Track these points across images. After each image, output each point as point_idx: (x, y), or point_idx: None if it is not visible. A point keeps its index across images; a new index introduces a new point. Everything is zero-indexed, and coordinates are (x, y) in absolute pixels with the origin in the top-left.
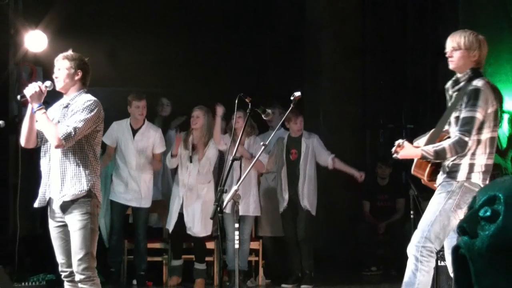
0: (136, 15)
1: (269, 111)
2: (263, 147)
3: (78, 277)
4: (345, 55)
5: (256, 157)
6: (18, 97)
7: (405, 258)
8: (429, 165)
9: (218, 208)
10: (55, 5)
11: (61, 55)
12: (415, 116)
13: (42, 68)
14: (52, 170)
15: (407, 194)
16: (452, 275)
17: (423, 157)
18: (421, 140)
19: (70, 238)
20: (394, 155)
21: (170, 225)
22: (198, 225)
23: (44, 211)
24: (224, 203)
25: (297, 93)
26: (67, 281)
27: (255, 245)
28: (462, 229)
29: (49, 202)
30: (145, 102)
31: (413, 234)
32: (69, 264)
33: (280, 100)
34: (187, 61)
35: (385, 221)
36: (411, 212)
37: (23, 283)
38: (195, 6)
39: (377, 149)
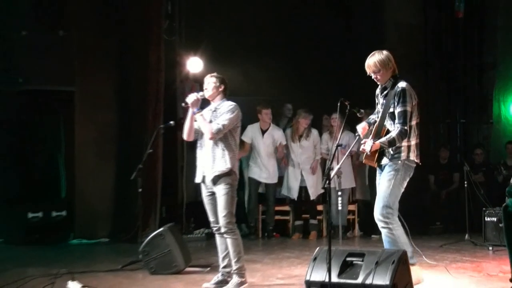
0: (261, 43)
1: (362, 111)
2: (357, 137)
3: (223, 229)
4: (411, 68)
5: (352, 144)
6: (183, 104)
7: (460, 216)
8: (377, 154)
9: (327, 181)
10: (206, 39)
11: (209, 75)
12: (466, 113)
13: (199, 84)
14: (206, 155)
15: (462, 170)
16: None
17: (381, 147)
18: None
19: (217, 203)
20: (365, 150)
21: (291, 194)
22: (313, 192)
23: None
24: (331, 177)
25: None
26: (217, 233)
27: (352, 207)
28: (509, 193)
29: (203, 178)
30: (270, 109)
31: (375, 208)
32: (217, 221)
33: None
34: (300, 75)
35: (445, 190)
36: (465, 182)
37: (189, 235)
38: (301, 34)
39: (438, 138)
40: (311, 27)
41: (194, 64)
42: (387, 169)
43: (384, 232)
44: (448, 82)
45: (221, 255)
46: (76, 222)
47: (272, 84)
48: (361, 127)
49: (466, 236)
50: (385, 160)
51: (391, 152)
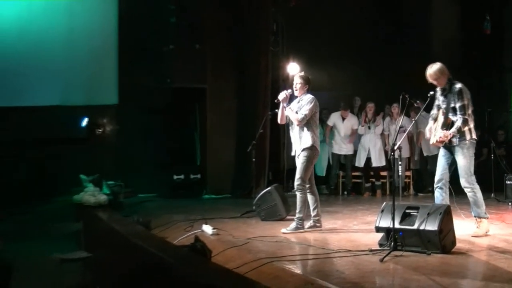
0: (339, 50)
1: (418, 101)
2: (413, 121)
3: (295, 187)
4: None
5: (409, 127)
6: (275, 100)
7: (487, 181)
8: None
9: (392, 153)
10: (301, 48)
11: (297, 74)
12: (490, 104)
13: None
14: (295, 135)
15: (489, 146)
16: None
17: (453, 136)
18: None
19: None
20: (444, 139)
21: (360, 163)
22: (378, 161)
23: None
24: (395, 148)
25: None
26: (308, 191)
27: (408, 173)
28: None
29: (295, 151)
30: (349, 110)
31: (460, 178)
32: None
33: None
34: (368, 74)
35: (477, 161)
36: (491, 155)
37: (288, 193)
38: (368, 44)
39: None
40: (376, 38)
41: (292, 68)
42: (459, 149)
43: (469, 194)
44: (477, 81)
45: (311, 207)
46: (207, 182)
47: (347, 81)
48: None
49: (492, 195)
50: (455, 142)
51: (458, 136)
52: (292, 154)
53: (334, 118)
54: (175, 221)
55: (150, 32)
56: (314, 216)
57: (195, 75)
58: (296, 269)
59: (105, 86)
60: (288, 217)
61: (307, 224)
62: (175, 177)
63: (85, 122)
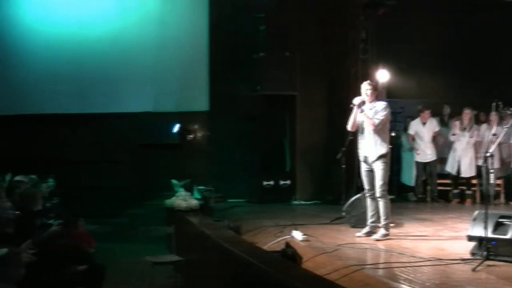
0: (426, 59)
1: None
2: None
3: (378, 194)
4: None
5: (501, 134)
6: (350, 105)
7: None
8: None
9: (485, 161)
10: (390, 57)
11: (366, 82)
12: None
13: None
14: (367, 142)
15: None
16: None
17: None
18: None
19: (374, 176)
20: None
21: (453, 170)
22: (468, 171)
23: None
24: (488, 156)
25: None
26: (370, 197)
27: (498, 181)
28: None
29: (365, 158)
30: (429, 110)
31: None
32: (372, 189)
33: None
34: (459, 80)
35: None
36: None
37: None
38: (455, 54)
39: None
40: (463, 49)
41: (382, 75)
42: None
43: None
44: None
45: (370, 213)
46: (296, 188)
47: (437, 88)
48: None
49: None
50: None
51: None
52: (361, 159)
53: (415, 126)
54: (264, 226)
55: (240, 41)
56: (372, 222)
57: (285, 82)
58: (387, 277)
59: (196, 93)
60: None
61: (364, 230)
62: (264, 183)
63: (177, 128)
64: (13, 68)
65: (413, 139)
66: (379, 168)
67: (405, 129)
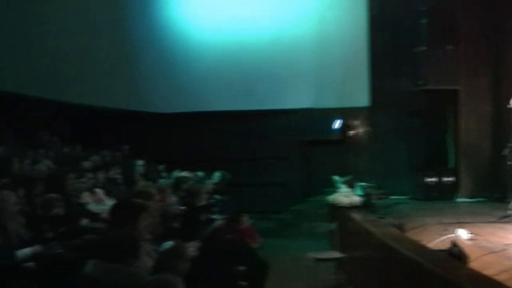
0: None
1: None
2: None
3: None
4: None
5: None
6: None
7: None
8: None
9: None
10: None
11: None
12: None
13: None
14: None
15: None
16: None
17: None
18: None
19: None
20: None
21: None
22: None
23: None
24: None
25: None
26: None
27: None
28: None
29: None
30: None
31: None
32: None
33: None
34: None
35: None
36: None
37: None
38: None
39: None
40: None
41: None
42: None
43: None
44: None
45: None
46: (460, 185)
47: None
48: None
49: None
50: None
51: None
52: None
53: None
54: (428, 224)
55: (400, 35)
56: None
57: (447, 76)
58: None
59: (356, 89)
60: None
61: None
62: (427, 179)
63: (338, 124)
64: (181, 67)
65: None
66: None
67: None
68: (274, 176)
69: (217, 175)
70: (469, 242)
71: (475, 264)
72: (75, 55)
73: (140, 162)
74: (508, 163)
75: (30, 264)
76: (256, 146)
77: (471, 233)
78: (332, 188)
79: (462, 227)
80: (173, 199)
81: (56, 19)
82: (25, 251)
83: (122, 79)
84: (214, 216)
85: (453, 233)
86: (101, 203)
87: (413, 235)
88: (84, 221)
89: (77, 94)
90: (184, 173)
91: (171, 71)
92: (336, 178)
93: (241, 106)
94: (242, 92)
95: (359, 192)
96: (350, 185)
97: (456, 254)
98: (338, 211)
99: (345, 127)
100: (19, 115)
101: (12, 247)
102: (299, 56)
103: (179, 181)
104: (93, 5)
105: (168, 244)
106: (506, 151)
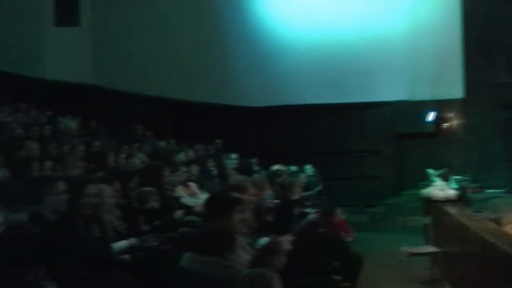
0: None
1: None
2: None
3: None
4: None
5: None
6: None
7: None
8: None
9: None
10: None
11: None
12: None
13: None
14: None
15: None
16: None
17: None
18: None
19: None
20: None
21: None
22: None
23: None
24: None
25: None
26: None
27: None
28: None
29: None
30: None
31: None
32: None
33: None
34: None
35: None
36: None
37: None
38: None
39: None
40: None
41: None
42: None
43: None
44: None
45: None
46: None
47: None
48: None
49: None
50: None
51: None
52: None
53: None
54: None
55: (495, 25)
56: None
57: None
58: None
59: (450, 81)
60: None
61: None
62: None
63: (432, 116)
64: (272, 61)
65: None
66: None
67: None
68: (367, 169)
69: (309, 169)
70: None
71: None
72: (171, 52)
73: (233, 156)
74: None
75: (126, 256)
76: (349, 139)
77: None
78: (426, 181)
79: None
80: (267, 193)
81: (156, 19)
82: (121, 244)
83: (215, 74)
84: (307, 210)
85: None
86: (194, 197)
87: (510, 229)
88: (178, 214)
89: (171, 89)
90: (278, 167)
91: (262, 65)
92: (431, 171)
93: (333, 99)
94: (334, 85)
95: (454, 185)
96: (445, 178)
97: None
98: (433, 205)
99: (439, 120)
100: (114, 110)
101: (108, 240)
102: (392, 48)
103: (273, 174)
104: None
105: (264, 240)
106: None
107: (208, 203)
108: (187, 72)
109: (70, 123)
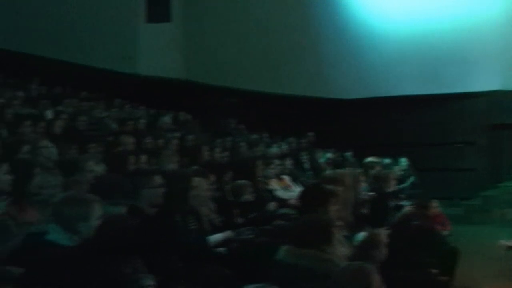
0: None
1: None
2: None
3: None
4: None
5: None
6: None
7: None
8: None
9: None
10: None
11: None
12: None
13: None
14: None
15: None
16: None
17: None
18: None
19: None
20: None
21: None
22: None
23: None
24: None
25: None
26: None
27: None
28: None
29: None
30: None
31: None
32: None
33: None
34: None
35: None
36: None
37: None
38: None
39: None
40: None
41: None
42: None
43: None
44: None
45: None
46: None
47: None
48: None
49: None
50: None
51: None
52: None
53: None
54: None
55: None
56: None
57: None
58: None
59: None
60: None
61: None
62: None
63: None
64: (365, 52)
65: None
66: None
67: None
68: (462, 161)
69: (404, 161)
70: None
71: None
72: (263, 45)
73: (328, 154)
74: None
75: (222, 249)
76: (443, 130)
77: None
78: None
79: None
80: (363, 185)
81: (247, 12)
82: (217, 237)
83: (307, 67)
84: (402, 202)
85: None
86: (288, 190)
87: None
88: (271, 206)
89: (263, 83)
90: (372, 159)
91: (355, 57)
92: None
93: (427, 90)
94: (427, 75)
95: None
96: None
97: None
98: None
99: None
100: (207, 104)
101: (204, 232)
102: (485, 37)
103: (367, 166)
104: None
105: (362, 235)
106: None
107: (303, 195)
108: (279, 65)
109: (164, 118)
